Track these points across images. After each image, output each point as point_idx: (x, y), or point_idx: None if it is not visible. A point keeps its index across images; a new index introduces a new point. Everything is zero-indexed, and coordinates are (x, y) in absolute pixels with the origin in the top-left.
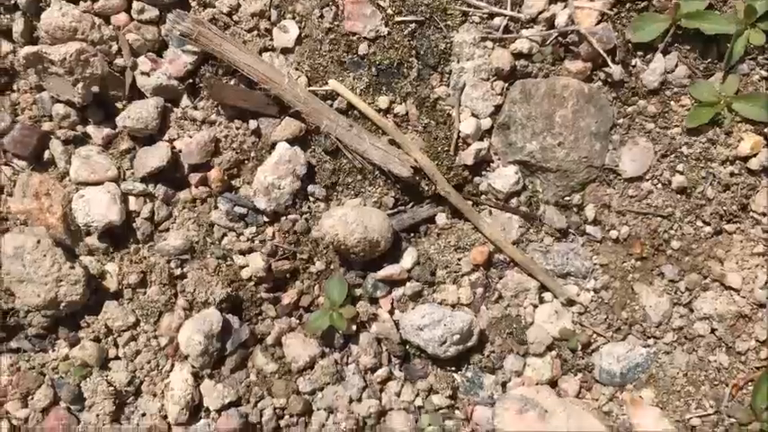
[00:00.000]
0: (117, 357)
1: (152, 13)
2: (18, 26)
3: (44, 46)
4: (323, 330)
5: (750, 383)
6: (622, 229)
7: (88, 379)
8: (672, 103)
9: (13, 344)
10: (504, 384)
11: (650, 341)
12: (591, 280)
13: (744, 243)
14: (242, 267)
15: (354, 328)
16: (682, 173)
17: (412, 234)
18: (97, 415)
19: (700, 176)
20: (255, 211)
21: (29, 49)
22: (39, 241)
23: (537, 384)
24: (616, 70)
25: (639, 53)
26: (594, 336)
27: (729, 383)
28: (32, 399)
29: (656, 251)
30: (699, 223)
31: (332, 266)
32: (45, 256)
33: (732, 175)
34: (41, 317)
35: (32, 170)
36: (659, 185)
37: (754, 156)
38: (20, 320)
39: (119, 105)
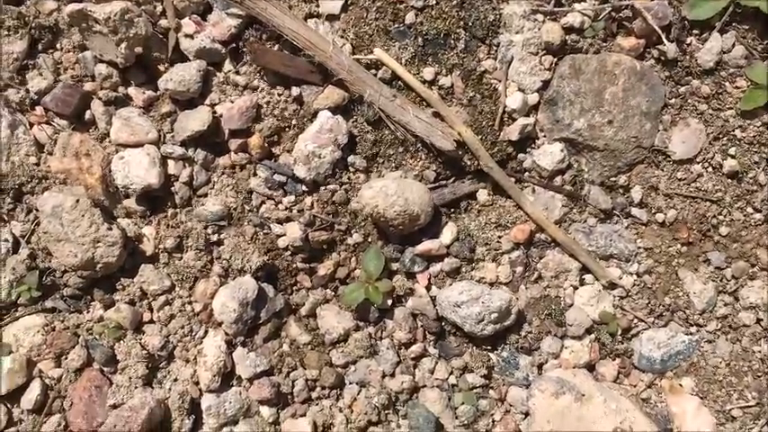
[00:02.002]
0: (151, 321)
1: None
2: None
3: (89, 4)
4: (358, 303)
5: None
6: (669, 212)
7: (122, 341)
8: (726, 84)
9: (49, 303)
10: (540, 366)
11: (693, 329)
12: (634, 263)
13: None
14: (279, 236)
15: (390, 302)
16: (734, 157)
17: (452, 209)
18: (129, 378)
19: (752, 161)
20: (294, 179)
21: (73, 6)
22: (77, 201)
23: (574, 367)
24: (670, 48)
25: (695, 31)
26: (635, 321)
27: None
28: (66, 359)
29: (704, 237)
30: (749, 210)
31: (369, 239)
32: (83, 216)
33: None
34: (77, 277)
35: (73, 129)
36: (710, 169)
37: None
38: (56, 280)
39: (161, 68)
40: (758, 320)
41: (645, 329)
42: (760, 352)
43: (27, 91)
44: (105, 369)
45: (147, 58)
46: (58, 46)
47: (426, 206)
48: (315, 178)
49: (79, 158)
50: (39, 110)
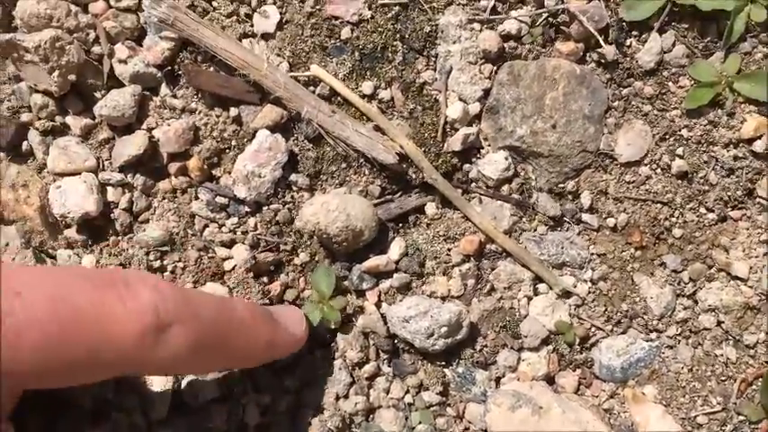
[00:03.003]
0: None
1: (130, 0)
2: None
3: (18, 34)
4: (314, 324)
5: (759, 379)
6: (620, 216)
7: None
8: (670, 84)
9: None
10: (497, 380)
11: (652, 335)
12: (588, 270)
13: (750, 230)
14: (224, 259)
15: (340, 321)
16: (682, 157)
17: (400, 224)
18: None
19: (701, 161)
20: (236, 201)
21: (2, 37)
22: (6, 245)
23: (532, 380)
24: (609, 50)
25: (634, 33)
26: (593, 329)
27: (737, 379)
28: None
29: (657, 240)
30: (702, 210)
31: (316, 258)
32: (14, 259)
33: (736, 158)
34: None
35: (10, 161)
36: (658, 170)
37: (759, 138)
38: None
39: (97, 95)
40: (719, 323)
41: (603, 338)
42: (722, 355)
43: None
44: None
45: (83, 85)
46: None
47: (370, 221)
48: (256, 199)
49: (16, 190)
50: None
